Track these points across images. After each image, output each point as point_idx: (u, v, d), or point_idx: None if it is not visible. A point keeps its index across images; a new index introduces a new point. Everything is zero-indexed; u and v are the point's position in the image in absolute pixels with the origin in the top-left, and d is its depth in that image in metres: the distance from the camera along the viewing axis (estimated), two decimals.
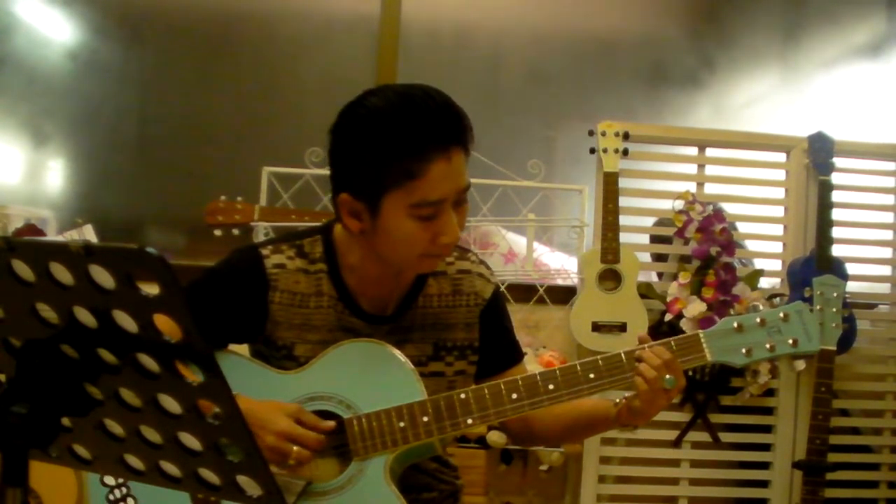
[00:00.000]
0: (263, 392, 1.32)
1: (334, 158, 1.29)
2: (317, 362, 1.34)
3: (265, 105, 2.95)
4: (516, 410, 1.32)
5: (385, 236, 1.27)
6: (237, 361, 1.38)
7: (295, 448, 1.24)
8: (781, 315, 1.35)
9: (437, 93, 1.25)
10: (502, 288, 2.45)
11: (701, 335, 1.33)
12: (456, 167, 1.24)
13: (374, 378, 1.32)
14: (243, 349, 1.43)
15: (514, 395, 1.32)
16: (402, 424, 1.30)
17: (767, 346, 1.33)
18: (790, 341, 1.34)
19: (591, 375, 1.32)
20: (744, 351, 1.33)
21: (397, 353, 1.33)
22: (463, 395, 1.32)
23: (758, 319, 1.34)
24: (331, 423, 1.29)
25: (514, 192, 2.57)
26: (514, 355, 1.51)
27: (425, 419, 1.30)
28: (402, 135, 1.21)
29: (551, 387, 1.31)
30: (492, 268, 1.53)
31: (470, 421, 1.31)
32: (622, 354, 1.33)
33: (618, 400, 1.35)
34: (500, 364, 1.47)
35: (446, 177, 1.23)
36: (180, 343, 0.72)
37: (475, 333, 1.45)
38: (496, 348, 1.48)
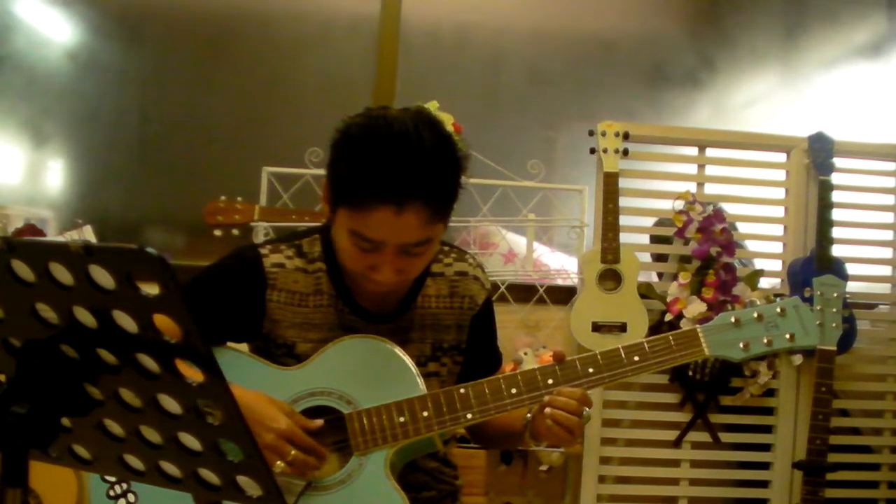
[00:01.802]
0: (263, 388, 1.32)
1: (331, 146, 1.31)
2: (317, 358, 1.35)
3: (265, 105, 2.95)
4: (516, 405, 1.33)
5: (335, 237, 1.31)
6: (237, 357, 1.39)
7: (293, 451, 1.24)
8: (778, 310, 1.36)
9: (433, 145, 1.22)
10: (502, 288, 2.46)
11: (699, 330, 1.35)
12: (405, 221, 1.20)
13: (374, 373, 1.33)
14: (243, 346, 1.44)
15: (514, 390, 1.33)
16: (402, 419, 1.30)
17: (765, 340, 1.34)
18: (787, 335, 1.35)
19: (590, 370, 1.33)
20: (741, 345, 1.34)
21: (397, 348, 1.34)
22: (463, 390, 1.33)
23: (755, 314, 1.35)
24: (319, 422, 1.30)
25: (514, 192, 2.57)
26: (494, 363, 1.54)
27: (425, 414, 1.31)
28: (363, 165, 1.20)
29: (550, 381, 1.33)
30: (490, 269, 1.54)
31: (469, 416, 1.32)
32: (621, 350, 1.34)
33: (526, 416, 1.35)
34: (479, 371, 1.46)
35: (388, 225, 1.20)
36: (180, 343, 0.72)
37: (464, 335, 1.47)
38: (479, 355, 1.50)
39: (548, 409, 1.28)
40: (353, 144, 1.22)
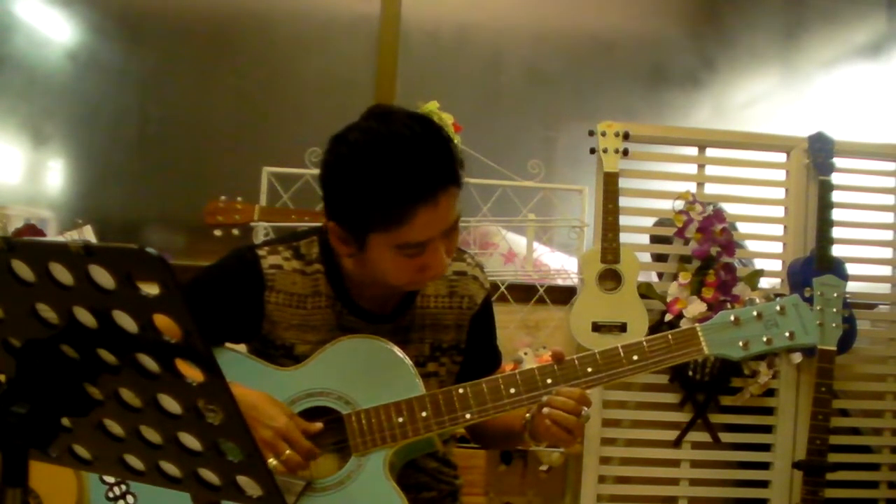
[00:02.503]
0: (262, 388, 1.32)
1: (323, 187, 1.28)
2: (315, 358, 1.35)
3: (265, 105, 2.95)
4: (514, 405, 1.32)
5: (371, 264, 1.29)
6: (236, 358, 1.39)
7: (287, 451, 1.24)
8: (778, 308, 1.36)
9: (428, 134, 1.21)
10: (502, 288, 2.46)
11: (698, 328, 1.34)
12: (443, 210, 1.21)
13: (372, 374, 1.33)
14: (241, 347, 1.44)
15: (512, 390, 1.32)
16: (400, 420, 1.30)
17: (764, 339, 1.34)
18: (787, 334, 1.35)
19: (589, 370, 1.33)
20: (741, 344, 1.34)
21: (395, 348, 1.34)
22: (461, 390, 1.33)
23: (755, 313, 1.35)
24: (318, 425, 1.30)
25: (514, 192, 2.57)
26: (493, 363, 1.54)
27: (424, 414, 1.31)
28: (385, 185, 1.18)
29: (549, 381, 1.32)
30: (490, 269, 1.54)
31: (468, 416, 1.32)
32: (620, 349, 1.34)
33: (526, 416, 1.35)
34: (479, 370, 1.46)
35: (432, 222, 1.21)
36: (180, 343, 0.72)
37: (463, 335, 1.47)
38: (479, 355, 1.50)
39: (546, 409, 1.28)
40: (365, 169, 1.19)
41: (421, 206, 1.18)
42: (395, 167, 1.18)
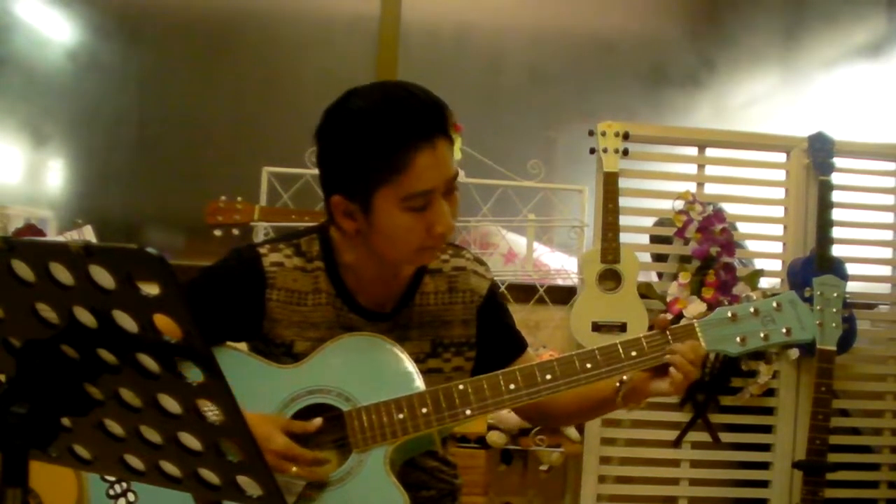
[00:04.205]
0: (262, 386, 1.33)
1: (323, 161, 1.31)
2: (315, 356, 1.35)
3: (265, 105, 2.95)
4: (514, 401, 1.33)
5: (381, 233, 1.29)
6: (235, 356, 1.39)
7: (294, 468, 1.25)
8: (775, 304, 1.36)
9: (416, 87, 1.27)
10: (502, 288, 2.46)
11: (696, 324, 1.35)
12: (441, 156, 1.25)
13: (372, 371, 1.33)
14: (241, 345, 1.43)
15: (512, 386, 1.33)
16: (401, 416, 1.30)
17: (762, 334, 1.35)
18: (783, 330, 1.35)
19: (589, 366, 1.33)
20: (738, 340, 1.35)
21: (395, 346, 1.34)
22: (462, 387, 1.33)
23: (752, 309, 1.36)
24: (317, 421, 1.30)
25: (514, 192, 2.57)
26: (517, 347, 1.53)
27: (424, 410, 1.31)
28: (385, 131, 1.22)
29: (548, 377, 1.33)
30: (489, 266, 1.54)
31: (469, 412, 1.32)
32: (619, 346, 1.34)
33: (617, 384, 1.39)
34: (503, 357, 1.48)
35: (432, 166, 1.24)
36: (180, 343, 0.72)
37: (472, 330, 1.46)
38: (498, 342, 1.50)
39: (668, 357, 1.31)
40: (367, 118, 1.24)
41: (420, 149, 1.22)
42: (394, 115, 1.23)
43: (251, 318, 1.37)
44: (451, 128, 1.28)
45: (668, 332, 1.34)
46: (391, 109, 1.24)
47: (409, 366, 1.33)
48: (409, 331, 1.41)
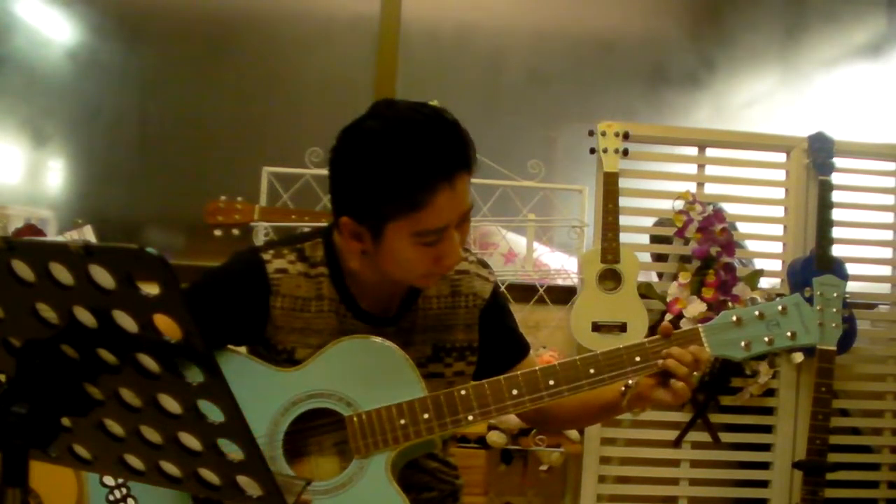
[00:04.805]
0: (263, 389, 1.32)
1: (334, 182, 1.27)
2: (316, 359, 1.34)
3: (265, 105, 2.95)
4: (517, 406, 1.32)
5: (387, 258, 1.27)
6: (236, 359, 1.38)
7: None
8: (780, 308, 1.35)
9: (441, 116, 1.22)
10: (502, 288, 2.46)
11: (700, 329, 1.34)
12: (459, 193, 1.22)
13: (374, 375, 1.32)
14: (241, 348, 1.43)
15: (515, 391, 1.32)
16: (402, 421, 1.29)
17: (766, 339, 1.33)
18: (788, 334, 1.34)
19: (591, 370, 1.32)
20: (743, 344, 1.33)
21: (397, 349, 1.33)
22: (463, 392, 1.32)
23: (756, 313, 1.34)
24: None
25: (514, 192, 2.57)
26: (520, 350, 1.52)
27: (426, 416, 1.30)
28: (405, 166, 1.18)
29: (551, 382, 1.32)
30: (491, 267, 1.54)
31: (471, 417, 1.31)
32: (622, 350, 1.33)
33: (622, 388, 1.37)
34: (506, 361, 1.47)
35: (449, 206, 1.21)
36: (180, 343, 0.72)
37: (474, 334, 1.45)
38: (501, 346, 1.49)
39: (661, 361, 1.30)
40: (384, 154, 1.19)
41: (440, 187, 1.18)
42: (414, 149, 1.18)
43: (254, 325, 1.36)
44: (474, 160, 1.24)
45: (672, 338, 1.33)
46: (413, 143, 1.18)
47: (411, 369, 1.32)
48: (412, 335, 1.40)
